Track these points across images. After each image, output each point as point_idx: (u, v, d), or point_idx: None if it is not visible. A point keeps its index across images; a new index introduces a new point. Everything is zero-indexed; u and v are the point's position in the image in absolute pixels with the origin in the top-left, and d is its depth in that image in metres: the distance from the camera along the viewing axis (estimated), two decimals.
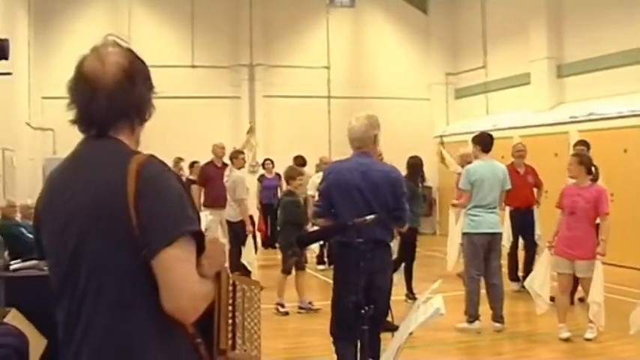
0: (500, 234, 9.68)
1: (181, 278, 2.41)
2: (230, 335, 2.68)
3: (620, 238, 11.56)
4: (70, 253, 2.52)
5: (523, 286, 11.86)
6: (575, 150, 10.85)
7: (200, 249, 2.53)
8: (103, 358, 2.48)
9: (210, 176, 13.58)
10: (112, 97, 2.53)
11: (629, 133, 14.23)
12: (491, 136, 9.88)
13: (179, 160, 17.26)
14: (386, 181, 6.27)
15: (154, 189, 2.45)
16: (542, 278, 9.07)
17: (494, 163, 9.65)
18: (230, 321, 2.70)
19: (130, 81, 2.57)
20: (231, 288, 2.76)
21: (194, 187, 15.47)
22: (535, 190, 12.00)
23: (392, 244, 6.98)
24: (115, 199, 2.42)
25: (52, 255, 2.63)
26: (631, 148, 14.17)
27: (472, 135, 10.34)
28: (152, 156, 2.54)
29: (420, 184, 11.56)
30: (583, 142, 11.18)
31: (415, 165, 11.54)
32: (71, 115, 2.61)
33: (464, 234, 9.58)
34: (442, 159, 13.24)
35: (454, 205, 10.68)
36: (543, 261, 9.17)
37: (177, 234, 2.42)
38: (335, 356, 6.42)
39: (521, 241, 12.17)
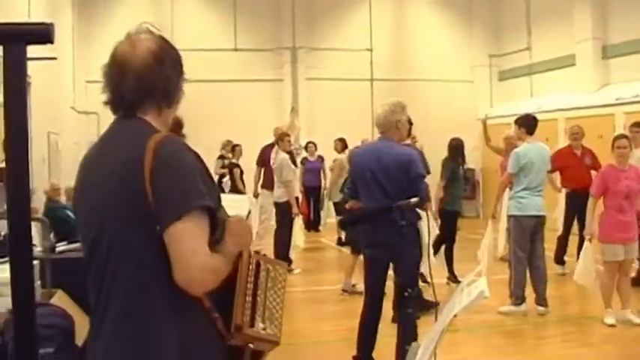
0: (544, 217, 9.59)
1: (190, 251, 2.48)
2: (249, 312, 2.72)
3: None
4: (95, 231, 2.64)
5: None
6: (631, 131, 10.77)
7: (213, 225, 2.59)
8: (120, 331, 2.58)
9: (269, 158, 13.49)
10: (140, 79, 2.66)
11: None
12: (535, 118, 9.79)
13: (229, 142, 17.25)
14: (397, 164, 6.54)
15: (169, 166, 2.53)
16: (588, 269, 8.92)
17: (541, 145, 9.58)
18: (249, 299, 2.74)
19: (159, 64, 2.68)
20: (253, 267, 2.81)
21: (236, 171, 15.54)
22: (593, 172, 11.79)
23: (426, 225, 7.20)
24: (134, 176, 2.52)
25: (83, 233, 2.75)
26: None
27: (516, 117, 10.21)
28: (172, 135, 2.66)
29: (461, 166, 11.48)
30: (638, 124, 11.02)
31: (456, 147, 11.46)
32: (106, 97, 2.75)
33: (511, 216, 9.49)
34: (487, 139, 13.15)
35: (494, 217, 10.43)
36: (587, 254, 9.01)
37: (188, 208, 2.49)
38: None
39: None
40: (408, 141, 7.14)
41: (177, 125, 4.24)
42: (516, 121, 9.86)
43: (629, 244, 8.76)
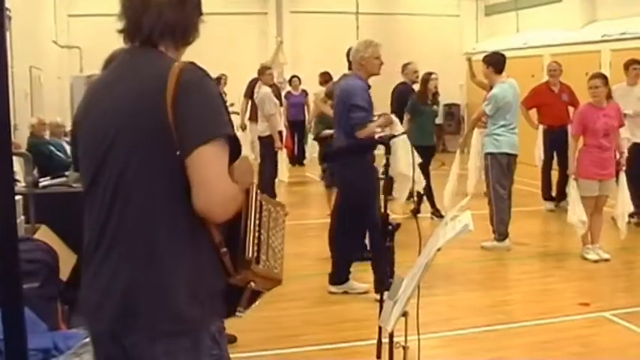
0: (516, 155, 9.59)
1: (215, 174, 2.47)
2: (255, 249, 2.69)
3: None
4: (103, 151, 2.58)
5: (556, 205, 11.98)
6: (634, 68, 10.72)
7: (233, 155, 2.59)
8: (132, 254, 2.54)
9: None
10: (162, 12, 2.66)
11: None
12: (504, 56, 9.71)
13: (222, 75, 17.09)
14: (341, 95, 7.32)
15: (195, 89, 2.53)
16: (579, 208, 8.94)
17: (513, 83, 9.55)
18: (257, 234, 2.71)
19: (181, 3, 2.71)
20: (258, 205, 2.78)
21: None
22: (571, 108, 11.75)
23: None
24: (154, 95, 2.49)
25: (84, 162, 2.70)
26: None
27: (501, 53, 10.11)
28: (194, 63, 2.62)
29: (428, 100, 11.45)
30: (637, 62, 10.94)
31: (423, 81, 11.44)
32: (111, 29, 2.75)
33: (487, 154, 9.50)
34: (472, 75, 13.06)
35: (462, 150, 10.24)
36: (574, 195, 8.99)
37: (215, 134, 2.49)
38: None
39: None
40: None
41: None
42: (484, 60, 9.74)
43: (605, 181, 8.85)
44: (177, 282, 2.54)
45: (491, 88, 9.69)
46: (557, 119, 11.70)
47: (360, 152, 6.91)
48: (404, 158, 7.42)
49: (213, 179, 2.46)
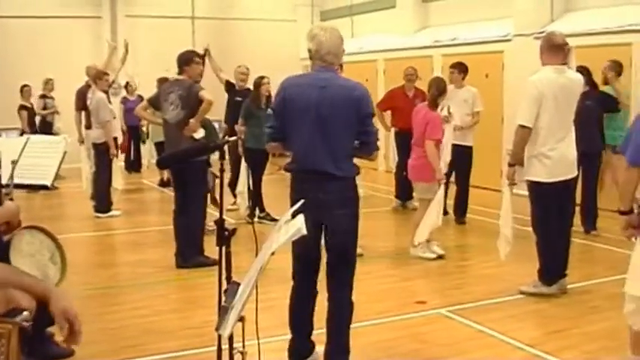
0: None
1: None
2: None
3: (481, 161, 11.87)
4: None
5: (402, 204, 12.45)
6: (450, 72, 11.13)
7: None
8: None
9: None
10: None
11: (491, 58, 14.51)
12: None
13: (49, 80, 16.71)
14: (348, 97, 5.27)
15: None
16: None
17: None
18: None
19: None
20: None
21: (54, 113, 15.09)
22: None
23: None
24: None
25: None
26: (492, 73, 14.44)
27: None
28: None
29: (262, 104, 11.48)
30: (460, 64, 11.35)
31: (255, 85, 11.54)
32: None
33: None
34: None
35: None
36: (440, 199, 9.08)
37: None
38: None
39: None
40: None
41: None
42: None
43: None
44: None
45: None
46: (409, 123, 11.92)
47: (196, 155, 6.65)
48: None
49: None
